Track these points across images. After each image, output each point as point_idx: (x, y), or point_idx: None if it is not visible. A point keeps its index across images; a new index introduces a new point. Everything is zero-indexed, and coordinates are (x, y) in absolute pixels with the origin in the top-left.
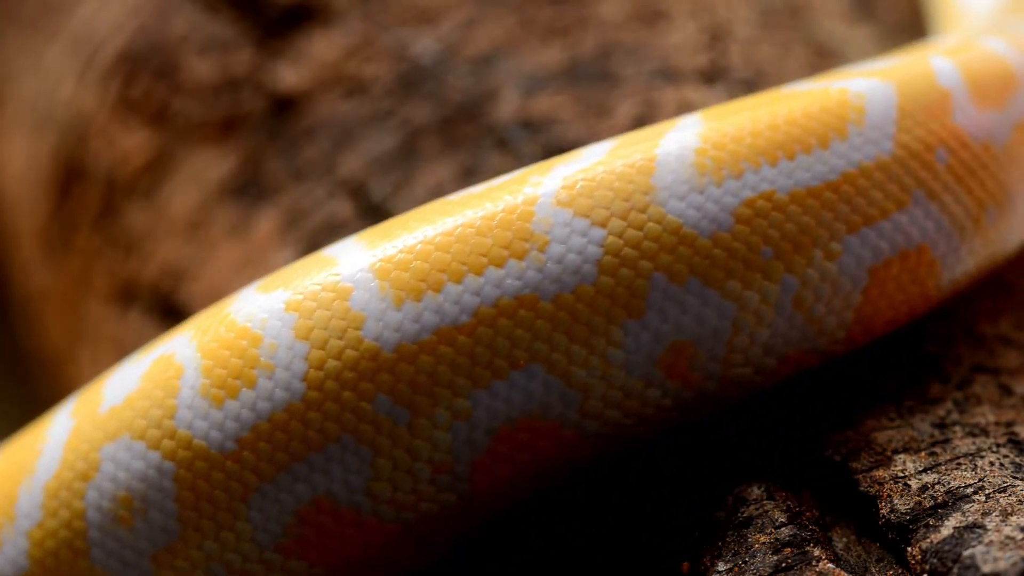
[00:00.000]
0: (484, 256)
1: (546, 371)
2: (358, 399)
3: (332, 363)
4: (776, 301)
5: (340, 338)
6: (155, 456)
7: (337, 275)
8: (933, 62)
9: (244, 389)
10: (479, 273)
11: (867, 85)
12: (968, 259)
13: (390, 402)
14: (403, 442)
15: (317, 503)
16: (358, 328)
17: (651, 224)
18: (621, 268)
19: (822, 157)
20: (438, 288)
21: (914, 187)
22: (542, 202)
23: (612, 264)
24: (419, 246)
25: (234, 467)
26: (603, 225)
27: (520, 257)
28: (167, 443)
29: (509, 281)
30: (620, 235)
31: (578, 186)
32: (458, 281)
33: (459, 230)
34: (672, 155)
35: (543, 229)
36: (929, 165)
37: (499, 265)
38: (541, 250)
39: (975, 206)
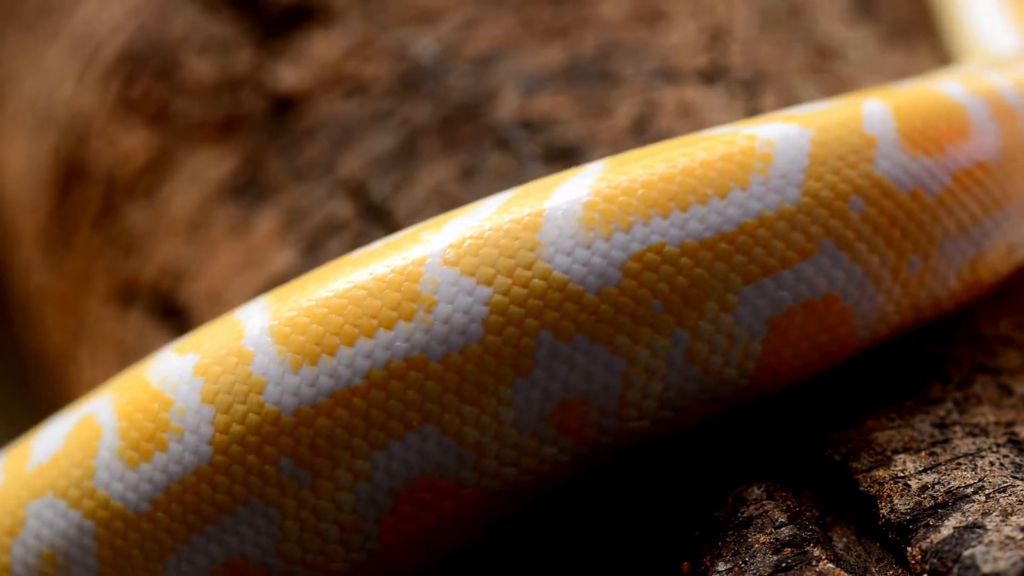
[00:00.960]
0: (374, 318)
1: (440, 432)
2: (262, 462)
3: (236, 427)
4: (667, 355)
5: (243, 402)
6: (76, 515)
7: (241, 339)
8: (864, 107)
9: (157, 452)
10: (370, 335)
11: (781, 131)
12: (887, 307)
13: (292, 464)
14: (308, 504)
15: (231, 564)
16: (259, 392)
17: (536, 281)
18: (507, 327)
19: (718, 207)
20: (332, 351)
21: (821, 236)
22: (430, 262)
23: (498, 323)
24: (315, 308)
25: (149, 528)
26: (488, 284)
27: (408, 318)
28: (87, 502)
29: (398, 343)
30: (505, 293)
31: (465, 244)
32: (350, 344)
33: (352, 292)
34: (560, 209)
35: (430, 290)
36: (841, 214)
37: (388, 327)
38: (428, 311)
39: (895, 256)
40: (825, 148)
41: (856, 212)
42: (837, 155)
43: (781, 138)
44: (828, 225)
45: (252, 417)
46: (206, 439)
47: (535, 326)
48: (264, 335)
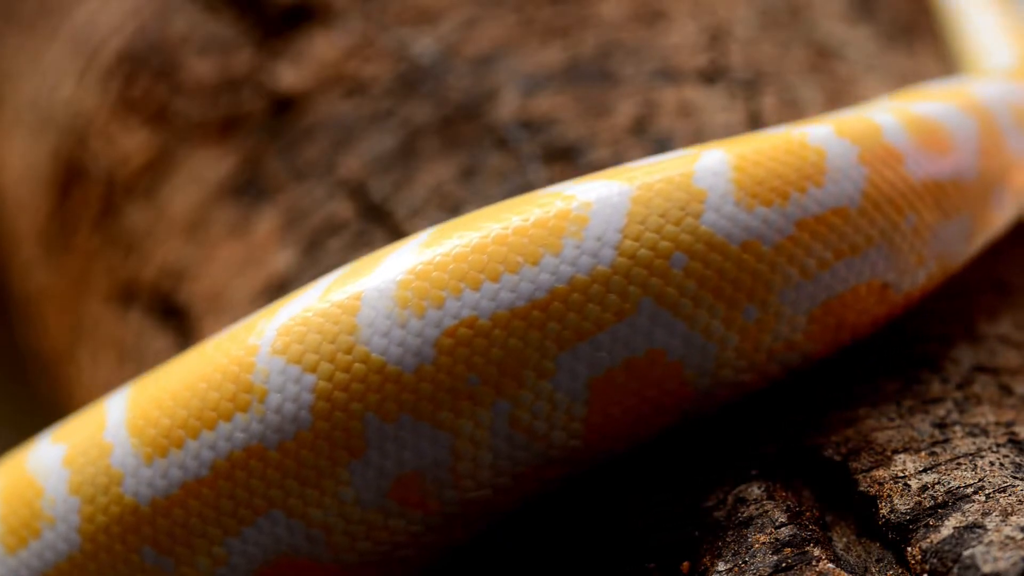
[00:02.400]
0: (214, 411)
1: (287, 515)
2: (127, 551)
3: (100, 517)
4: (491, 425)
5: (105, 494)
6: None
7: (103, 431)
8: (700, 160)
9: (31, 539)
10: (211, 428)
11: (601, 191)
12: (726, 355)
13: (155, 552)
14: None
15: None
16: (119, 484)
17: (357, 365)
18: (334, 412)
19: (529, 275)
20: (179, 444)
21: (640, 296)
22: (260, 352)
23: (325, 409)
24: (164, 400)
25: None
26: (313, 371)
27: (244, 409)
28: None
29: (237, 434)
30: (329, 379)
31: (291, 332)
32: (195, 436)
33: (195, 384)
34: (376, 290)
35: (262, 380)
36: (662, 272)
37: (227, 419)
38: (261, 401)
39: (726, 307)
40: (646, 206)
41: (679, 269)
42: (659, 212)
43: (599, 199)
44: (647, 284)
45: (113, 508)
46: (75, 528)
47: (360, 409)
48: (121, 428)
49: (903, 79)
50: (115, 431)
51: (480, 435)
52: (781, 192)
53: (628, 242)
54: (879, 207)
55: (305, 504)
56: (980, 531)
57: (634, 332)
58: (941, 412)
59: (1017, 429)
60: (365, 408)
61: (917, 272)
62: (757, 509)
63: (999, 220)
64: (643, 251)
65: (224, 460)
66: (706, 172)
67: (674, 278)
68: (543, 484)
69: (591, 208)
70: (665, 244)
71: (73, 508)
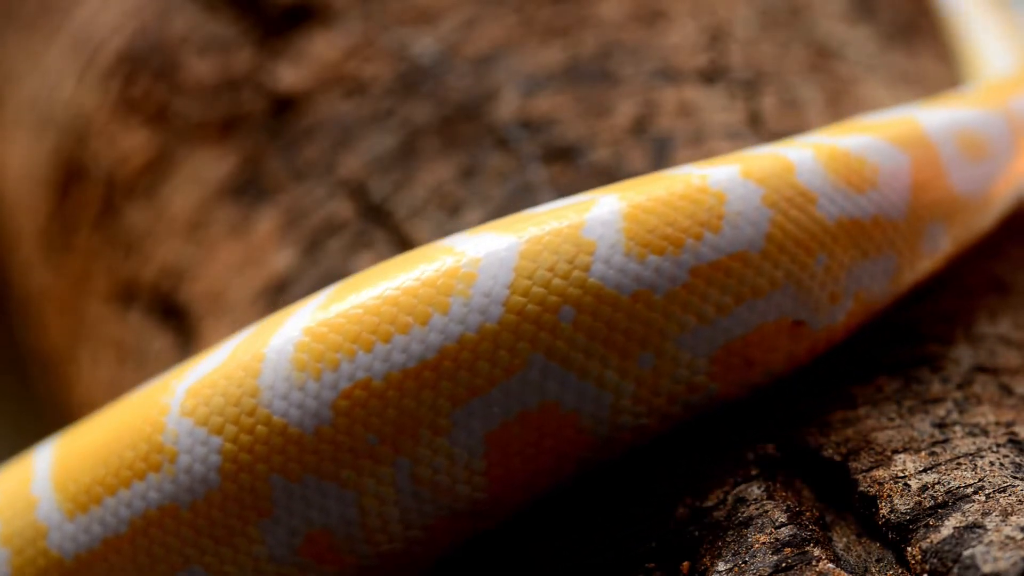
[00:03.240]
0: (129, 469)
1: (205, 571)
2: None
3: (29, 570)
4: (394, 482)
5: (32, 546)
6: None
7: (29, 484)
8: (593, 209)
9: None
10: (127, 486)
11: (490, 246)
12: (623, 402)
13: None
14: None
15: None
16: (44, 538)
17: (260, 427)
18: (240, 473)
19: (419, 335)
20: (98, 501)
21: (529, 352)
22: (171, 413)
23: (232, 470)
24: (85, 455)
25: None
26: (219, 433)
27: (157, 469)
28: None
29: (151, 493)
30: (234, 441)
31: (199, 394)
32: (112, 494)
33: (112, 440)
34: (276, 352)
35: (172, 440)
36: (550, 326)
37: (141, 478)
38: (172, 461)
39: (619, 357)
40: (534, 260)
41: (568, 322)
42: (547, 266)
43: (488, 254)
44: (536, 339)
45: (40, 561)
46: None
47: (265, 470)
48: (47, 481)
49: (903, 79)
50: (42, 484)
51: (384, 492)
52: (674, 240)
53: (516, 298)
54: (784, 250)
55: (221, 562)
56: (980, 531)
57: (525, 386)
58: (941, 412)
59: (1017, 429)
60: (270, 469)
61: (834, 309)
62: (757, 509)
63: (935, 258)
64: (531, 306)
65: (140, 518)
66: (596, 223)
67: (563, 332)
68: (460, 534)
69: (479, 264)
70: (553, 299)
71: (4, 559)
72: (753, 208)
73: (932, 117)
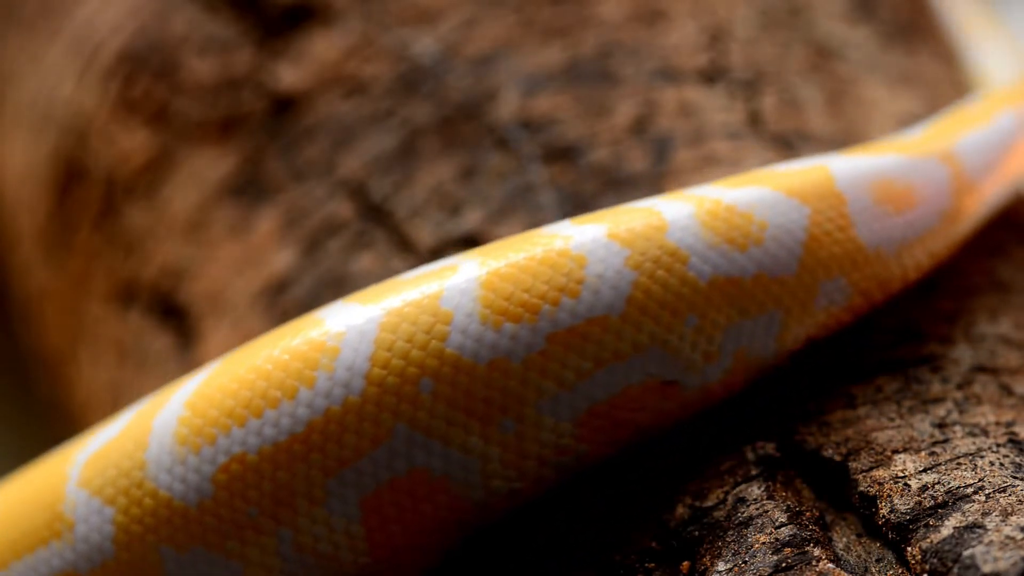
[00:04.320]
0: (34, 536)
1: None
2: None
3: None
4: (278, 551)
5: None
6: None
7: None
8: (453, 277)
9: None
10: (31, 552)
11: (351, 320)
12: (491, 467)
13: None
14: None
15: None
16: None
17: (147, 500)
18: (133, 544)
19: (288, 410)
20: (5, 566)
21: (393, 423)
22: (70, 483)
23: (124, 540)
24: None
25: None
26: (112, 504)
27: (58, 537)
28: None
29: (54, 560)
30: (126, 512)
31: (94, 465)
32: (19, 559)
33: (16, 510)
34: (161, 425)
35: (71, 510)
36: (411, 397)
37: (44, 545)
38: (71, 530)
39: (480, 424)
40: (393, 332)
41: (428, 393)
42: (406, 337)
43: (350, 327)
44: (398, 411)
45: None
46: None
47: (155, 541)
48: None
49: (903, 79)
50: None
51: (270, 561)
52: (530, 307)
53: (376, 370)
54: (648, 312)
55: None
56: (980, 531)
57: (393, 455)
58: (941, 412)
59: (1017, 429)
60: (159, 541)
61: (709, 369)
62: (757, 509)
63: (833, 312)
64: (391, 379)
65: None
66: (454, 291)
67: (424, 402)
68: None
69: (342, 338)
70: (412, 370)
71: None
72: (615, 271)
73: (847, 166)
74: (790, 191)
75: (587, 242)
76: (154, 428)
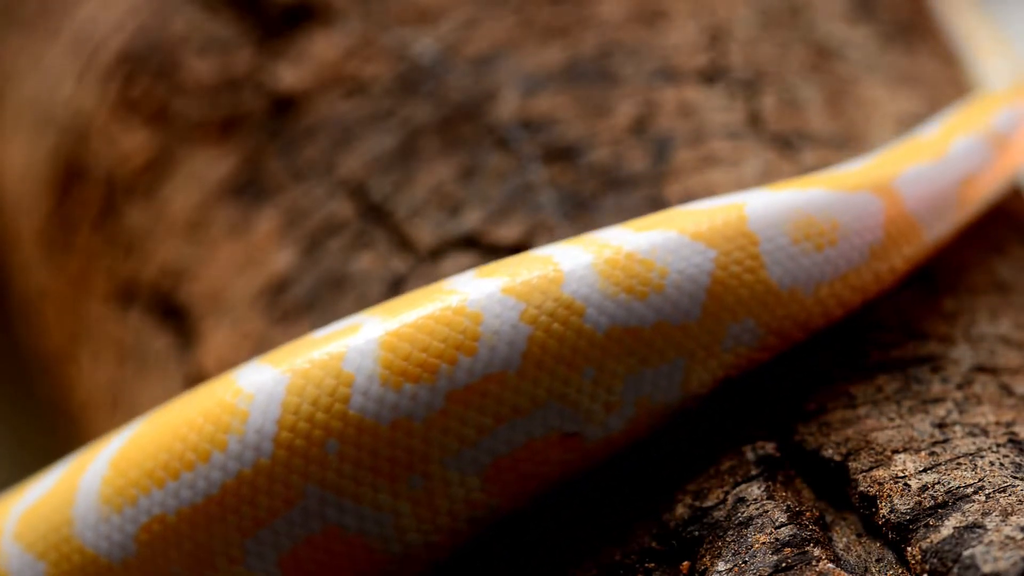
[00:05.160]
0: None
1: None
2: None
3: None
4: None
5: None
6: None
7: None
8: (355, 336)
9: None
10: None
11: (260, 382)
12: (404, 521)
13: None
14: None
15: None
16: None
17: (75, 556)
18: None
19: (203, 472)
20: None
21: (304, 484)
22: (5, 537)
23: None
24: None
25: None
26: (43, 558)
27: None
28: None
29: None
30: (56, 567)
31: (27, 520)
32: None
33: None
34: (88, 482)
35: (4, 563)
36: (319, 459)
37: None
38: None
39: (388, 481)
40: (299, 395)
41: (334, 453)
42: (311, 400)
43: (259, 389)
44: (307, 472)
45: None
46: None
47: None
48: None
49: (903, 79)
50: None
51: None
52: (429, 366)
53: (284, 433)
54: (544, 367)
55: None
56: (980, 531)
57: (306, 515)
58: (941, 412)
59: (1017, 429)
60: None
61: (611, 419)
62: (757, 509)
63: (742, 353)
64: (299, 441)
65: None
66: (355, 353)
67: (331, 463)
68: None
69: (251, 401)
70: (318, 433)
71: None
72: (510, 327)
73: (764, 204)
74: (696, 234)
75: (482, 298)
76: (81, 486)
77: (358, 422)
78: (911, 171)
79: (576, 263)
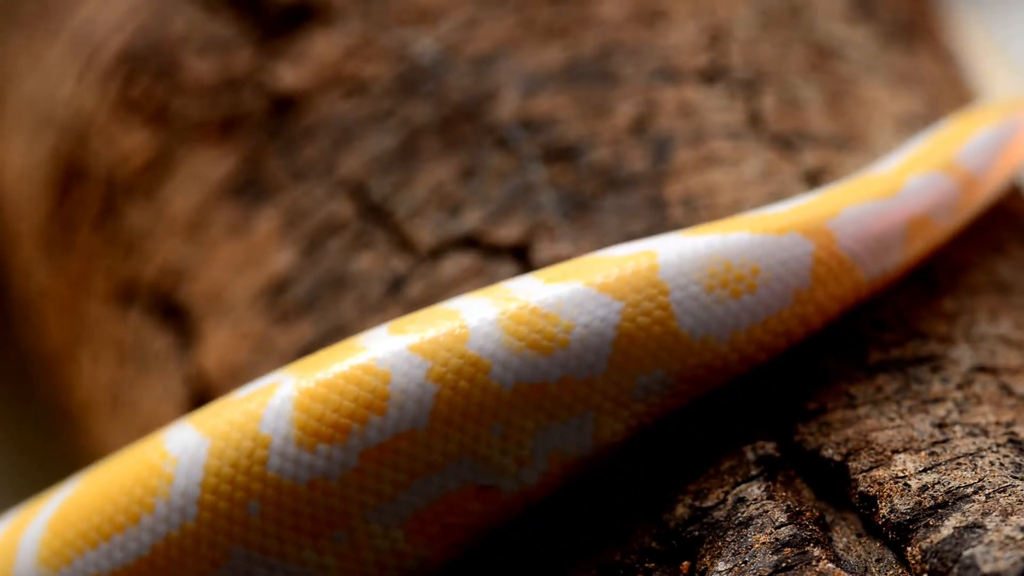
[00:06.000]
0: None
1: None
2: None
3: None
4: None
5: None
6: None
7: None
8: (268, 405)
9: None
10: None
11: (184, 445)
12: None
13: None
14: None
15: None
16: None
17: None
18: None
19: (133, 535)
20: None
21: (229, 544)
22: None
23: None
24: None
25: None
26: None
27: None
28: None
29: None
30: None
31: None
32: None
33: None
34: (27, 541)
35: None
36: (242, 520)
37: None
38: None
39: (311, 538)
40: (220, 458)
41: (256, 514)
42: (231, 463)
43: (183, 452)
44: (232, 533)
45: None
46: None
47: None
48: None
49: (903, 79)
50: None
51: None
52: (341, 427)
53: (208, 496)
54: (453, 424)
55: None
56: (980, 531)
57: (234, 574)
58: (941, 412)
59: (1017, 429)
60: None
61: (524, 472)
62: (757, 509)
63: (654, 403)
64: (222, 503)
65: None
66: (271, 414)
67: (254, 524)
68: None
69: (176, 464)
70: (240, 494)
71: None
72: (417, 385)
73: (677, 252)
74: (604, 286)
75: (390, 356)
76: (20, 545)
77: (277, 483)
78: (850, 211)
79: (482, 319)
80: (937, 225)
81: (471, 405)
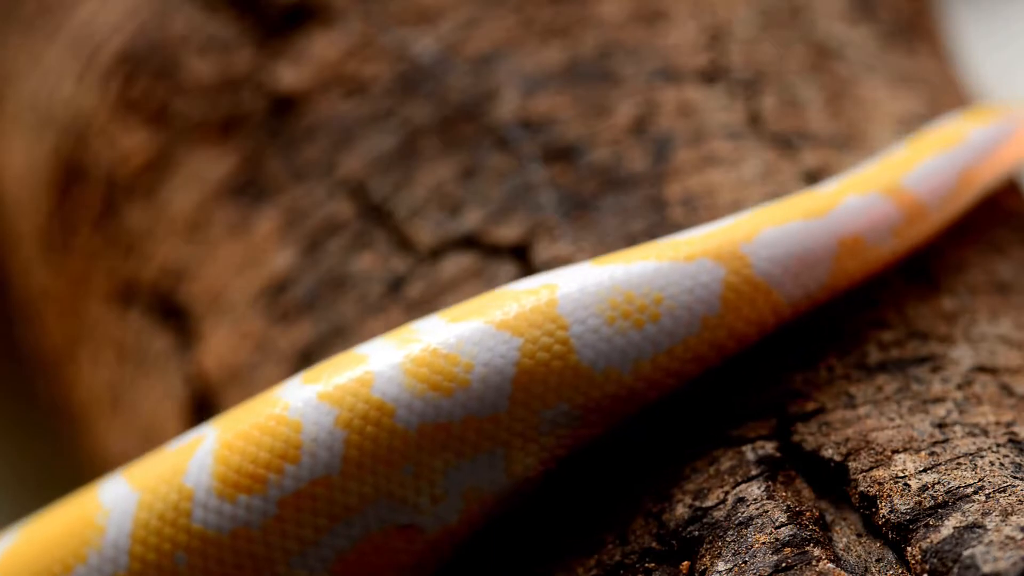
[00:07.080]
0: None
1: None
2: None
3: None
4: None
5: None
6: None
7: None
8: (195, 453)
9: None
10: None
11: (116, 496)
12: None
13: None
14: None
15: None
16: None
17: None
18: None
19: None
20: None
21: None
22: None
23: None
24: None
25: None
26: None
27: None
28: None
29: None
30: None
31: None
32: None
33: None
34: None
35: None
36: (171, 570)
37: None
38: None
39: None
40: (149, 510)
41: (184, 565)
42: (158, 515)
43: (115, 505)
44: None
45: None
46: None
47: None
48: None
49: (903, 79)
50: None
51: None
52: (258, 477)
53: (137, 547)
54: (365, 467)
55: None
56: (980, 531)
57: None
58: (941, 412)
59: (1017, 429)
60: None
61: (441, 510)
62: (757, 509)
63: (563, 435)
64: (151, 555)
65: None
66: (194, 467)
67: (182, 574)
68: None
69: (108, 516)
70: (167, 546)
71: None
72: (327, 432)
73: (577, 285)
74: (503, 323)
75: (301, 405)
76: None
77: (201, 534)
78: (769, 233)
79: (386, 363)
80: (874, 248)
81: (380, 448)
